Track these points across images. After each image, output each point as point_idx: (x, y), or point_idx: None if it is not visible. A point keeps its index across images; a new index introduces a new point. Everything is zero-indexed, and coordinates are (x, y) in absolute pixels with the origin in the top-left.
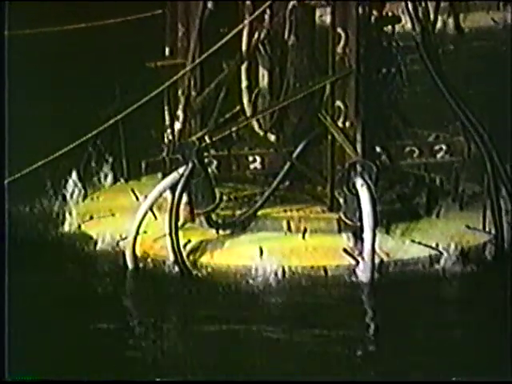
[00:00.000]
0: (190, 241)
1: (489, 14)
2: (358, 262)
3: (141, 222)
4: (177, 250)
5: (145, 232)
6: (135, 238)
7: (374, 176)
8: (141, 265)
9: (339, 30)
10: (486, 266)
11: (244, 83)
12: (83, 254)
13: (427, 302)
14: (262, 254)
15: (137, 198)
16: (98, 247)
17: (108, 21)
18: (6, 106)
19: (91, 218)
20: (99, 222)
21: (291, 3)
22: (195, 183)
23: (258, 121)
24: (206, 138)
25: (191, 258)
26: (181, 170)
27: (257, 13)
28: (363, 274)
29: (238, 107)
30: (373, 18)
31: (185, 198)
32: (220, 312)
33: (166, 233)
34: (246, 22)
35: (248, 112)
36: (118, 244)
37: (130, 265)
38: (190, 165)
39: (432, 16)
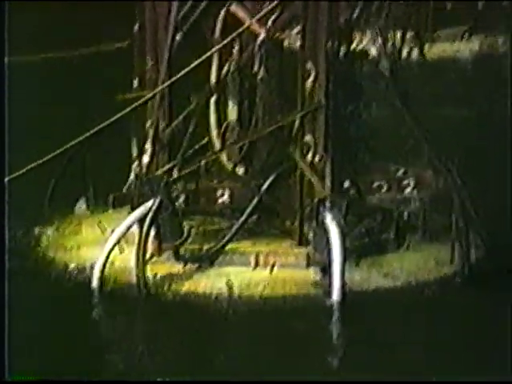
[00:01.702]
0: (156, 274)
1: (453, 44)
2: (326, 294)
3: (108, 256)
4: (142, 283)
5: (112, 263)
6: (102, 272)
7: (344, 211)
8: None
9: (309, 64)
10: (454, 299)
11: (213, 116)
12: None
13: (396, 330)
14: (230, 286)
15: (103, 231)
16: (65, 278)
17: (74, 52)
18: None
19: (57, 249)
20: (66, 254)
21: (260, 37)
22: (163, 217)
23: (226, 154)
24: (175, 171)
25: (157, 288)
26: (149, 204)
27: (224, 42)
28: (332, 307)
29: (206, 139)
30: (342, 53)
31: (152, 232)
32: (184, 334)
33: (133, 266)
34: (214, 49)
35: (217, 145)
36: (85, 275)
37: (96, 290)
38: (158, 199)
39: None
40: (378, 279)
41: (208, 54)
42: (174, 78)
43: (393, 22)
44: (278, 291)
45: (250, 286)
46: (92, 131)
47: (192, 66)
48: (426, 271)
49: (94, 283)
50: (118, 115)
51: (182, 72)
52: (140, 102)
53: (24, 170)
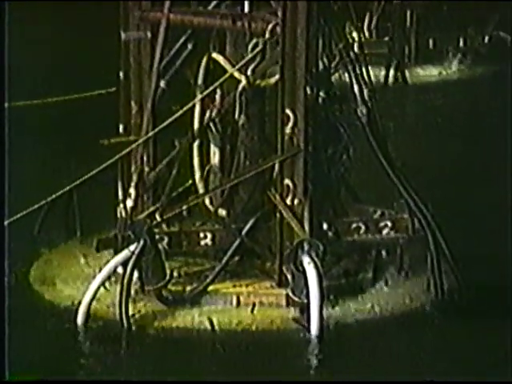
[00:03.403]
0: (139, 312)
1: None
2: (306, 329)
3: (93, 297)
4: (125, 321)
5: (98, 300)
6: (87, 312)
7: (321, 254)
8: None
9: (287, 111)
10: (428, 330)
11: (196, 160)
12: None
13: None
14: (212, 323)
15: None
16: (51, 312)
17: (62, 97)
18: None
19: (43, 282)
20: (52, 288)
21: (241, 84)
22: (146, 260)
23: (209, 197)
24: (157, 215)
25: (140, 324)
26: (132, 248)
27: (208, 91)
28: (311, 343)
29: (190, 181)
30: (320, 99)
31: (136, 274)
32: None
33: (116, 305)
34: (197, 99)
35: (200, 188)
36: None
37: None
38: (141, 242)
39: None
40: (355, 314)
41: (191, 103)
42: (159, 127)
43: (374, 60)
44: (259, 326)
45: (231, 323)
46: (80, 180)
47: (177, 115)
48: (402, 305)
49: (79, 320)
50: (106, 163)
51: (168, 121)
52: (126, 150)
53: (18, 216)
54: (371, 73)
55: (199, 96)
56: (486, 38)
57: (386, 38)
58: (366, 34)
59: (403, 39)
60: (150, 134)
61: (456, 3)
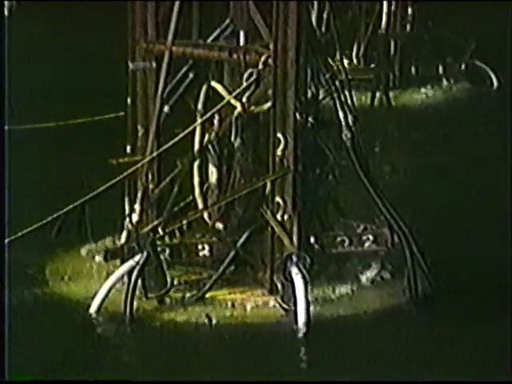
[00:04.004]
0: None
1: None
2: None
3: (101, 303)
4: (129, 321)
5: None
6: (97, 316)
7: (308, 265)
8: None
9: (279, 134)
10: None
11: (196, 178)
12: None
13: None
14: (210, 320)
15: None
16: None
17: (74, 121)
18: None
19: (62, 278)
20: (68, 284)
21: (237, 110)
22: (149, 269)
23: (207, 212)
24: (160, 228)
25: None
26: (136, 258)
27: (207, 115)
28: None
29: (190, 198)
30: (309, 124)
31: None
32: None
33: (122, 309)
34: (197, 123)
35: (199, 204)
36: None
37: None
38: (145, 253)
39: None
40: (339, 311)
41: (191, 127)
42: (162, 148)
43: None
44: (252, 321)
45: (227, 319)
46: (92, 194)
47: (179, 137)
48: (381, 303)
49: (92, 312)
50: (115, 181)
51: (170, 143)
52: (133, 169)
53: (29, 229)
54: (361, 96)
55: (199, 120)
56: (463, 66)
57: (373, 65)
58: (355, 61)
59: (388, 66)
60: (154, 154)
61: (436, 33)
